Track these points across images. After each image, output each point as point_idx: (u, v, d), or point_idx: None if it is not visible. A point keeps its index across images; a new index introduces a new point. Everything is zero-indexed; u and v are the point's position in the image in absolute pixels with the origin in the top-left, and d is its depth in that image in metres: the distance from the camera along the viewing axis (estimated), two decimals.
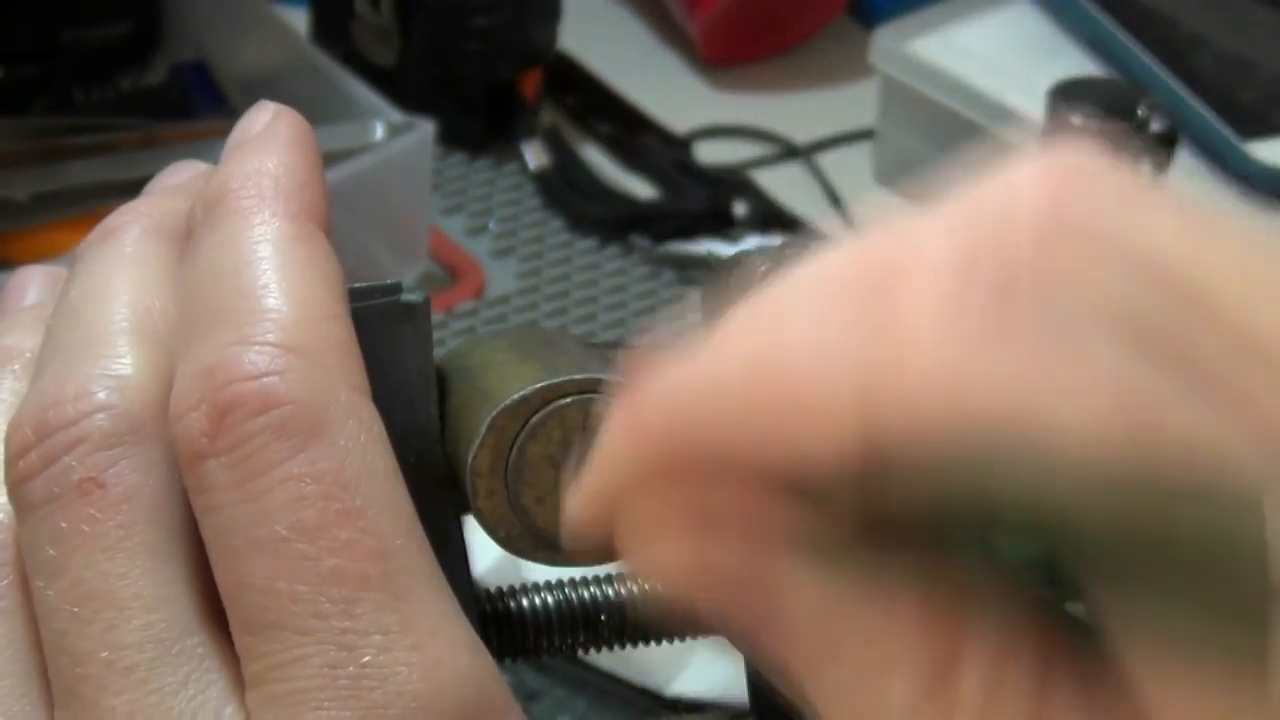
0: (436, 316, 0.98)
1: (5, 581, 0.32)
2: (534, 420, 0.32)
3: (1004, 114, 1.04)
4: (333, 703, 0.29)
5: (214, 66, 1.08)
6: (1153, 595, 0.21)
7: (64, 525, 0.30)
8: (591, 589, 0.37)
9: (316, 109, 0.90)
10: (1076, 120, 0.90)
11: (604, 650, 0.37)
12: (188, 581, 0.30)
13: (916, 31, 1.11)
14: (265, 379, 0.30)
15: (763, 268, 0.31)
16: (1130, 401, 0.21)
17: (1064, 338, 0.22)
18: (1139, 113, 0.91)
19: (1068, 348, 0.21)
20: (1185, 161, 1.01)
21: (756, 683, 0.34)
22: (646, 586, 0.35)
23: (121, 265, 0.34)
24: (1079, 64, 1.11)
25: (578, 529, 0.26)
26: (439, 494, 0.34)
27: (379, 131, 0.96)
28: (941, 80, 1.08)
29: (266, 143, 0.33)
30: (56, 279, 0.36)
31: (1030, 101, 1.00)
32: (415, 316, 0.34)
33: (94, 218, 0.35)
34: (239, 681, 0.30)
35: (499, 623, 0.36)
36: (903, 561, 0.23)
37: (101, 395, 0.31)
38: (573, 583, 0.37)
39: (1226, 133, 1.05)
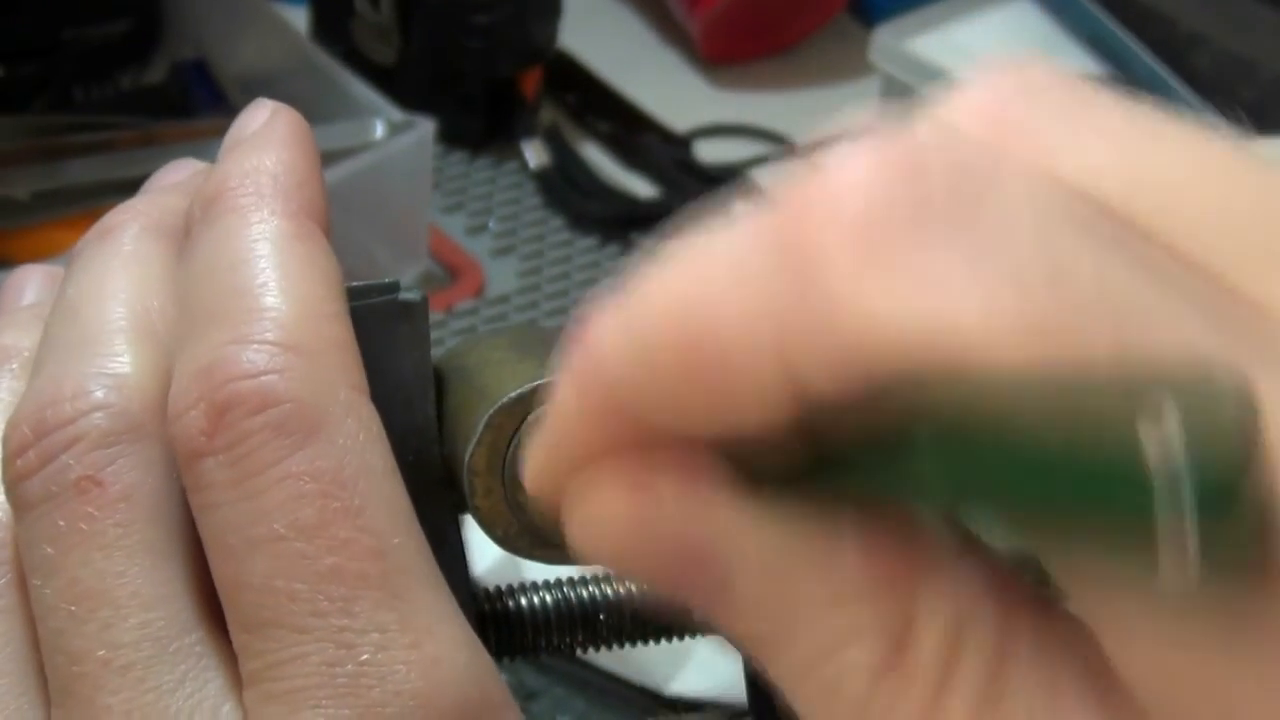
0: (436, 315, 0.99)
1: (3, 580, 0.32)
2: (531, 418, 0.32)
3: None
4: (331, 701, 0.29)
5: (214, 65, 1.08)
6: (1077, 519, 0.20)
7: (61, 524, 0.30)
8: (590, 588, 0.37)
9: (316, 107, 0.89)
10: None
11: (603, 649, 0.37)
12: (185, 580, 0.30)
13: (917, 30, 1.11)
14: (263, 377, 0.30)
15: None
16: (1042, 307, 0.20)
17: (978, 246, 0.21)
18: None
19: (981, 257, 0.21)
20: None
21: (755, 682, 0.34)
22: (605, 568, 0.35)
23: (119, 264, 0.34)
24: (1079, 63, 1.10)
25: (537, 502, 0.26)
26: (437, 493, 0.34)
27: (379, 130, 0.96)
28: (942, 79, 1.08)
29: (264, 140, 0.33)
30: (55, 278, 0.36)
31: None
32: (413, 315, 0.34)
33: (93, 216, 0.35)
34: (236, 680, 0.30)
35: (497, 621, 0.36)
36: (847, 516, 0.23)
37: (99, 394, 0.31)
38: (571, 582, 0.37)
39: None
